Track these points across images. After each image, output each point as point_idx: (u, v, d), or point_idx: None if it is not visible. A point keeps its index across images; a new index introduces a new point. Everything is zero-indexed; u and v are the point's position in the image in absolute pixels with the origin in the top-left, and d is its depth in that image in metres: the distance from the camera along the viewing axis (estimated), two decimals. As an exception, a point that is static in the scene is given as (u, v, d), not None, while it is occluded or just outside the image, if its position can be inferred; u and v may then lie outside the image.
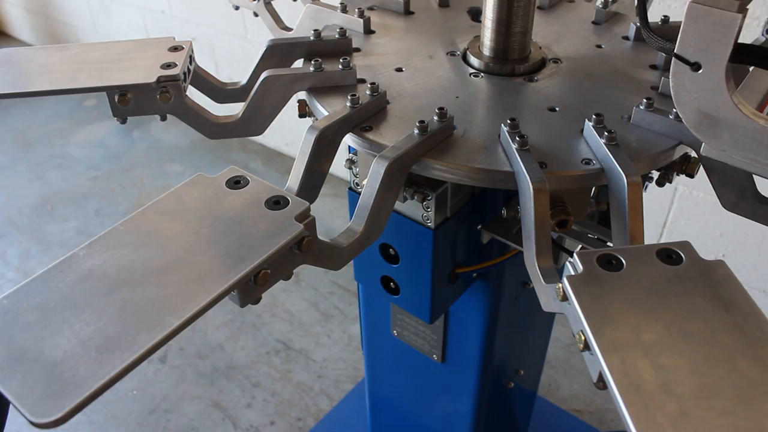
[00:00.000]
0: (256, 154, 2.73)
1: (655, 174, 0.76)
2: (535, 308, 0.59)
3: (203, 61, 2.67)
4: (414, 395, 1.18)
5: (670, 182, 0.75)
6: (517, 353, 1.14)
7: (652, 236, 1.80)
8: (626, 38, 0.88)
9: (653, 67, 0.81)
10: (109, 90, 0.70)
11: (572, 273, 0.50)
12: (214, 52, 2.63)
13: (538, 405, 1.46)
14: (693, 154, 0.71)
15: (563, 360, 1.82)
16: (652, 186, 0.81)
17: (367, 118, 0.71)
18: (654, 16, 0.83)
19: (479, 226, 0.83)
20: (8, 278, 2.14)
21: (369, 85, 0.71)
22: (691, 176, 0.75)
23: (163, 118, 0.74)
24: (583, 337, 0.47)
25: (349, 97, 0.69)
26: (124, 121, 0.73)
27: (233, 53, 2.58)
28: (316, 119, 0.74)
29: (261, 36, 2.40)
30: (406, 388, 1.19)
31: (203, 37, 2.62)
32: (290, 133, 2.58)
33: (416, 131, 0.65)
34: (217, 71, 2.68)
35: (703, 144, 0.56)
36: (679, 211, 1.71)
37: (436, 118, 0.67)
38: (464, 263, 0.86)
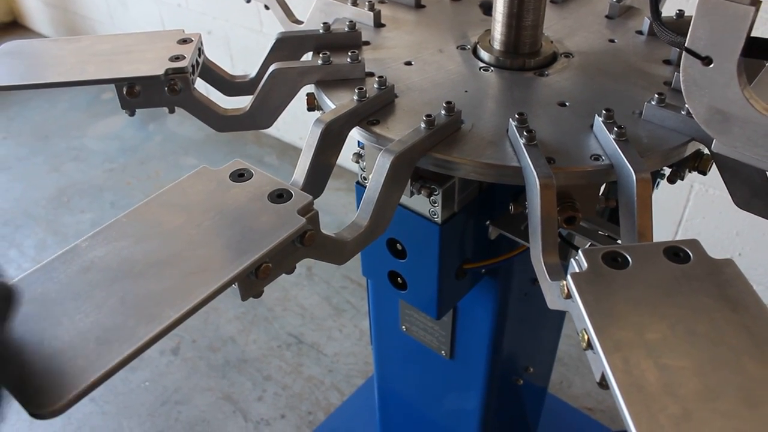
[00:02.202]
0: (271, 148, 2.73)
1: (667, 171, 0.75)
2: (545, 305, 0.59)
3: (219, 55, 2.67)
4: (423, 391, 1.17)
5: (682, 179, 0.74)
6: (527, 350, 1.13)
7: (667, 234, 1.78)
8: (640, 33, 0.86)
9: (667, 62, 0.79)
10: (118, 82, 0.70)
11: (577, 270, 0.50)
12: (230, 46, 2.64)
13: (549, 402, 1.45)
14: (706, 150, 0.70)
15: (575, 358, 1.81)
16: (667, 184, 0.80)
17: (374, 111, 0.70)
18: (669, 10, 0.82)
19: (487, 222, 0.83)
20: (24, 268, 2.16)
21: (377, 79, 0.71)
22: (704, 173, 0.74)
23: (172, 111, 0.74)
24: (586, 336, 0.46)
25: (356, 91, 0.68)
26: (132, 113, 0.73)
27: (248, 47, 2.58)
28: (324, 112, 0.73)
29: (276, 29, 2.39)
30: (415, 384, 1.18)
31: (219, 31, 2.62)
32: (305, 127, 2.57)
33: (423, 125, 0.64)
34: (232, 64, 2.69)
35: (714, 140, 0.55)
36: (694, 209, 1.68)
37: (443, 112, 0.66)
38: (472, 259, 0.85)
